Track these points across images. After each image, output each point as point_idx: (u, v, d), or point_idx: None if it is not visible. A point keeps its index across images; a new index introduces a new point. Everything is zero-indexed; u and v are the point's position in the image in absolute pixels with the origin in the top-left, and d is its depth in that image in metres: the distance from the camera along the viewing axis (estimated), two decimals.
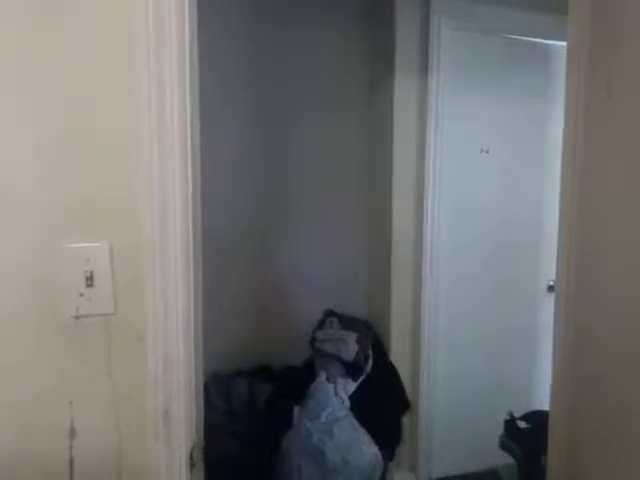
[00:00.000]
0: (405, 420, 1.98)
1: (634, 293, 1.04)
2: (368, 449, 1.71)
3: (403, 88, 2.12)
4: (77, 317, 0.82)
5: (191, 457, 0.88)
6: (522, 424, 1.96)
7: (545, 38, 2.29)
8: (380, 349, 2.11)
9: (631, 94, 1.03)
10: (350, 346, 1.89)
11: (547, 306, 2.27)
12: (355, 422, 1.73)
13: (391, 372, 1.92)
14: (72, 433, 0.82)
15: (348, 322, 2.12)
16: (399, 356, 2.19)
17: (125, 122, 0.81)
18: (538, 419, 1.86)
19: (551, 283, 2.37)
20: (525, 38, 2.30)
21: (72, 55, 0.78)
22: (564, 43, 1.24)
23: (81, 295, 0.82)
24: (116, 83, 0.80)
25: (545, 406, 1.35)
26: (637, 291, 1.03)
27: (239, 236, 2.12)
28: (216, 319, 1.83)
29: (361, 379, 1.86)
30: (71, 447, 0.82)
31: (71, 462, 0.82)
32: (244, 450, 1.71)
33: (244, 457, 1.71)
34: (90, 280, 0.82)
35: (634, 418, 1.03)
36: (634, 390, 1.03)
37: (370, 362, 1.94)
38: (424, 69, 2.11)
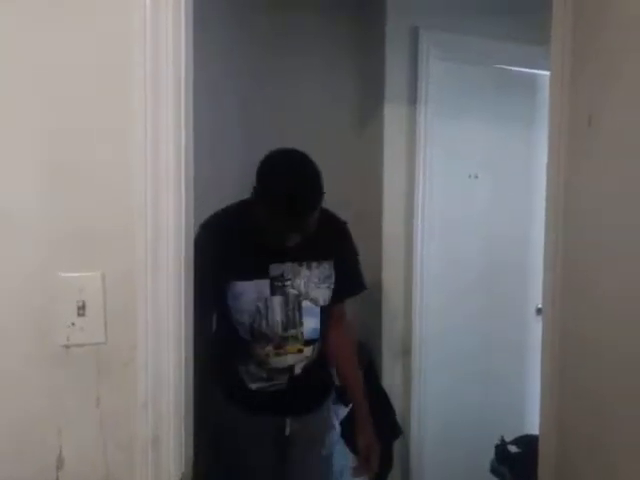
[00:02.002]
0: (396, 444, 1.97)
1: (616, 315, 1.06)
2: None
3: (392, 118, 2.17)
4: (67, 346, 0.83)
5: None
6: (513, 448, 1.96)
7: (531, 68, 2.36)
8: (372, 373, 2.11)
9: (610, 123, 1.07)
10: None
11: (536, 329, 2.29)
12: (346, 449, 1.72)
13: (383, 398, 1.92)
14: (60, 461, 0.82)
15: None
16: (390, 379, 2.19)
17: (120, 154, 0.83)
18: (528, 443, 1.86)
19: (539, 306, 2.39)
20: (512, 68, 2.37)
21: (68, 82, 0.81)
22: (549, 73, 1.28)
23: (72, 324, 0.83)
24: (113, 114, 0.83)
25: (537, 428, 1.36)
26: (616, 312, 1.06)
27: None
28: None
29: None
30: (58, 477, 0.82)
31: None
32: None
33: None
34: (82, 309, 0.83)
35: (625, 443, 1.04)
36: (624, 414, 1.04)
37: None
38: (413, 99, 2.16)
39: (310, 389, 1.50)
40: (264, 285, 1.38)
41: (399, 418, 2.13)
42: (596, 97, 1.11)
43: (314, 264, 1.43)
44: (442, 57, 2.18)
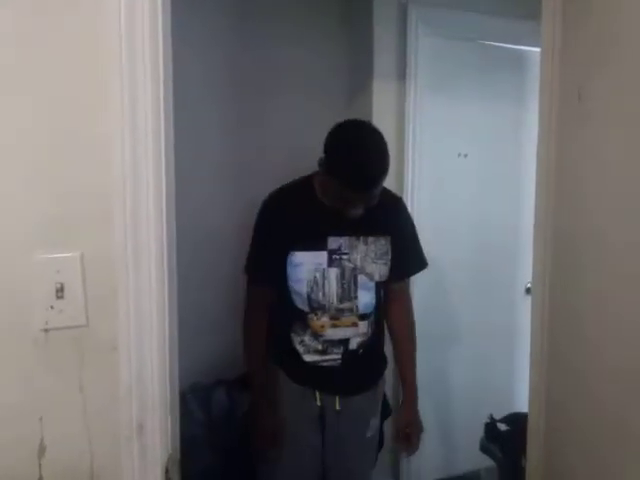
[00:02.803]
0: (386, 424, 1.98)
1: (599, 305, 1.06)
2: None
3: (381, 94, 2.13)
4: (47, 330, 0.80)
5: (167, 471, 0.87)
6: (502, 427, 1.98)
7: (521, 44, 2.33)
8: None
9: (600, 98, 1.05)
10: None
11: (525, 307, 2.30)
12: None
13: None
14: (42, 450, 0.80)
15: None
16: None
17: (97, 130, 0.79)
18: (518, 421, 1.88)
19: (528, 286, 2.39)
20: (502, 44, 2.34)
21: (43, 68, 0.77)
22: (539, 49, 1.26)
23: (51, 307, 0.79)
24: (88, 93, 0.79)
25: (526, 406, 1.36)
26: (601, 303, 1.06)
27: (220, 244, 2.10)
28: (196, 328, 1.81)
29: None
30: (40, 465, 0.80)
31: None
32: (223, 463, 1.69)
33: (223, 470, 1.69)
34: (61, 292, 0.80)
35: (610, 420, 1.05)
36: (609, 391, 1.04)
37: None
38: (402, 75, 2.13)
39: (363, 369, 1.53)
40: (322, 256, 1.42)
41: (389, 399, 2.13)
42: (586, 72, 1.09)
43: (371, 239, 1.46)
44: (431, 33, 2.14)
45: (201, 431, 1.77)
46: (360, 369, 1.51)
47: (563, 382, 1.19)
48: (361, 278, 1.45)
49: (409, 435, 1.58)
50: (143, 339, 0.83)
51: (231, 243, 1.91)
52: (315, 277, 1.42)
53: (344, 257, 1.43)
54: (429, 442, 2.37)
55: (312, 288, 1.43)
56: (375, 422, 1.60)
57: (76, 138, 0.79)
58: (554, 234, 1.20)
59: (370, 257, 1.46)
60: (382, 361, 1.63)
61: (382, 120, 2.13)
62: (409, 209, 2.14)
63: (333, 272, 1.43)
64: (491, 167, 2.39)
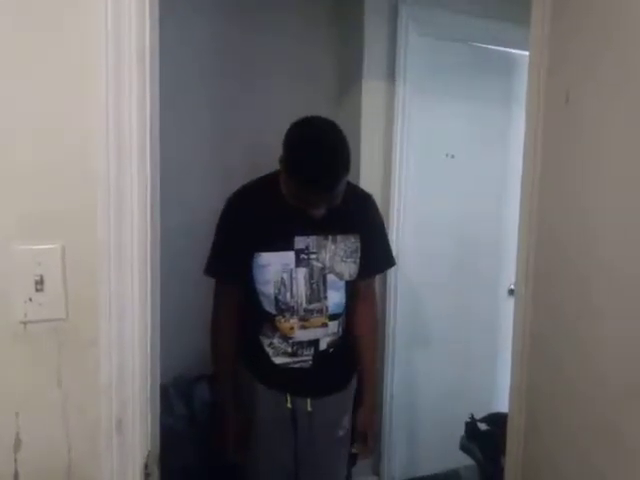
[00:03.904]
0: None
1: (584, 304, 1.07)
2: None
3: (370, 93, 2.12)
4: (25, 323, 0.78)
5: (146, 467, 0.86)
6: (482, 426, 2.00)
7: (510, 47, 2.34)
8: None
9: (587, 100, 1.07)
10: None
11: (508, 308, 2.32)
12: None
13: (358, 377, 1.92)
14: (17, 445, 0.78)
15: None
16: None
17: (81, 121, 0.78)
18: (498, 421, 1.90)
19: (512, 287, 2.42)
20: (491, 46, 2.35)
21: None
22: (527, 52, 1.27)
23: (30, 300, 0.78)
24: (72, 85, 0.77)
25: (506, 407, 1.38)
26: (585, 301, 1.07)
27: (203, 237, 2.08)
28: (178, 321, 1.80)
29: None
30: (16, 460, 0.78)
31: (16, 476, 0.78)
32: (204, 458, 1.68)
33: (204, 465, 1.68)
34: (40, 284, 0.78)
35: (592, 419, 1.06)
36: (593, 390, 1.06)
37: None
38: (392, 75, 2.13)
39: (335, 369, 1.50)
40: (289, 257, 1.38)
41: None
42: (574, 75, 1.11)
43: (339, 237, 1.42)
44: (421, 33, 2.15)
45: (183, 426, 1.76)
46: (331, 369, 1.48)
47: (545, 382, 1.21)
48: (330, 277, 1.42)
49: (366, 437, 1.56)
50: (124, 334, 0.82)
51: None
52: (282, 278, 1.38)
53: (312, 257, 1.39)
54: (410, 441, 2.40)
55: (279, 289, 1.39)
56: (347, 419, 1.58)
57: (59, 130, 0.78)
58: (538, 234, 1.22)
59: (339, 256, 1.42)
60: (354, 359, 1.60)
61: (371, 119, 2.14)
62: (395, 210, 2.18)
63: (301, 272, 1.39)
64: (478, 168, 2.40)
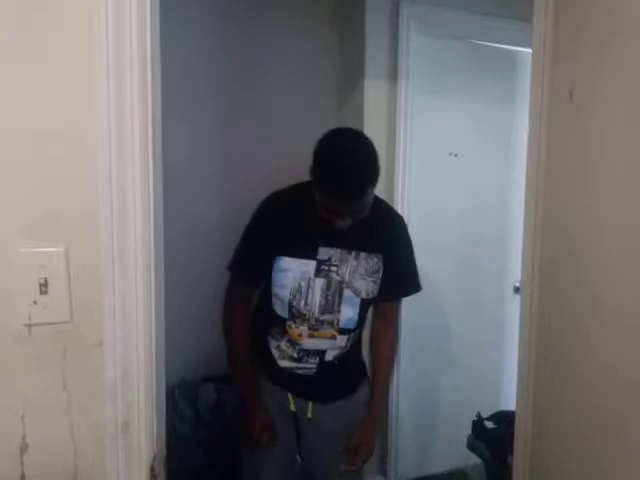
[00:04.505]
0: None
1: (590, 299, 1.07)
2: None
3: (373, 92, 2.12)
4: (30, 326, 0.78)
5: (152, 469, 0.86)
6: (489, 424, 1.99)
7: (513, 44, 2.34)
8: None
9: (591, 97, 1.06)
10: None
11: (514, 306, 2.31)
12: None
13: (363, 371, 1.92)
14: (24, 448, 0.78)
15: None
16: (367, 358, 2.18)
17: (83, 124, 0.78)
18: (505, 419, 1.89)
19: (517, 285, 2.41)
20: (494, 45, 2.35)
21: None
22: (530, 50, 1.26)
23: (35, 303, 0.78)
24: (75, 75, 0.77)
25: (513, 405, 1.37)
26: (592, 296, 1.06)
27: (208, 239, 2.09)
28: (183, 322, 1.80)
29: None
30: (22, 463, 0.78)
31: (23, 478, 0.78)
32: (210, 459, 1.68)
33: (210, 466, 1.68)
34: (45, 287, 0.78)
35: (600, 417, 1.05)
36: (601, 389, 1.05)
37: None
38: (393, 73, 2.12)
39: (339, 379, 1.49)
40: (310, 265, 1.39)
41: None
42: (578, 71, 1.10)
43: (363, 254, 1.42)
44: (423, 32, 2.14)
45: (189, 427, 1.76)
46: (335, 378, 1.48)
47: (553, 380, 1.20)
48: (347, 292, 1.41)
49: (356, 451, 1.51)
50: (129, 335, 0.81)
51: (222, 241, 1.90)
52: (300, 285, 1.39)
53: (332, 269, 1.40)
54: (417, 440, 2.39)
55: (295, 296, 1.40)
56: None
57: (61, 132, 0.78)
58: (544, 231, 1.21)
59: (359, 273, 1.42)
60: (360, 370, 1.59)
61: (373, 118, 2.14)
62: (399, 209, 2.16)
63: (319, 283, 1.39)
64: (482, 166, 2.40)
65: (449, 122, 2.29)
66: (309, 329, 1.41)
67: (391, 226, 1.50)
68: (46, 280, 0.78)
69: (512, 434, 1.35)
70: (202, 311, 2.05)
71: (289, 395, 1.47)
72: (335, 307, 1.42)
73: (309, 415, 1.47)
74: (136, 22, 0.78)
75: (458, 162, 2.34)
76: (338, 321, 1.42)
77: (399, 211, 2.16)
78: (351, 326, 1.45)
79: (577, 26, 1.10)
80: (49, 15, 0.75)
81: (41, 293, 0.78)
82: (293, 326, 1.42)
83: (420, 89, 2.17)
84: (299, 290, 1.39)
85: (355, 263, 1.42)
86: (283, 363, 1.45)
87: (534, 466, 1.27)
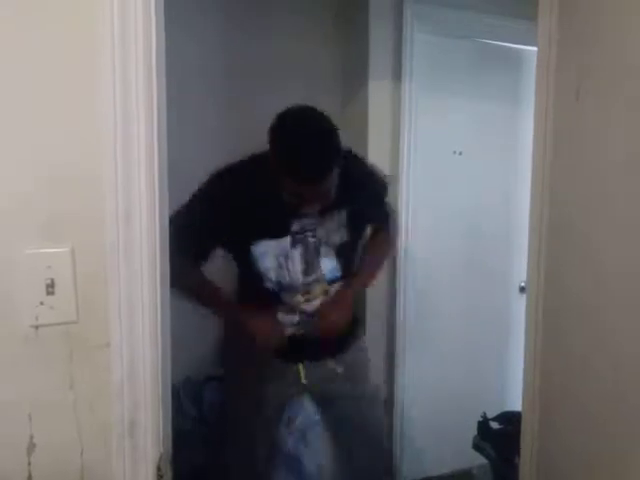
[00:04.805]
0: None
1: (599, 298, 1.06)
2: None
3: (377, 91, 2.12)
4: (37, 326, 0.78)
5: (159, 469, 0.86)
6: (495, 425, 1.98)
7: (517, 43, 2.33)
8: None
9: (597, 96, 1.05)
10: None
11: (519, 306, 2.30)
12: None
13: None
14: (31, 448, 0.79)
15: None
16: (373, 361, 2.18)
17: (88, 123, 0.78)
18: (511, 420, 1.88)
19: (522, 284, 2.40)
20: (498, 43, 2.34)
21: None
22: (535, 48, 1.26)
23: (41, 303, 0.78)
24: (79, 77, 0.77)
25: (519, 405, 1.37)
26: (600, 296, 1.05)
27: None
28: (187, 322, 1.80)
29: None
30: (30, 463, 0.78)
31: (29, 479, 0.79)
32: (215, 458, 1.68)
33: (215, 466, 1.68)
34: (51, 287, 0.78)
35: (604, 417, 1.05)
36: (603, 390, 1.05)
37: None
38: (398, 73, 2.12)
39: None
40: (286, 241, 1.40)
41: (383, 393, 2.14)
42: (585, 71, 1.09)
43: (334, 212, 1.43)
44: (427, 31, 2.14)
45: (193, 427, 1.76)
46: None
47: (559, 380, 1.19)
48: (323, 248, 1.43)
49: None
50: (135, 335, 0.82)
51: None
52: (279, 261, 1.40)
53: (308, 234, 1.41)
54: (423, 441, 2.39)
55: (278, 272, 1.41)
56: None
57: (66, 134, 0.78)
58: (549, 231, 1.20)
59: (332, 229, 1.44)
60: (354, 324, 1.58)
61: (378, 118, 2.14)
62: (404, 209, 2.16)
63: (297, 251, 1.41)
64: (486, 165, 2.39)
65: (453, 121, 2.29)
66: (303, 295, 1.44)
67: (355, 174, 1.46)
68: (52, 281, 0.78)
69: (518, 434, 1.35)
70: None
71: (299, 366, 1.47)
72: (315, 265, 1.43)
73: (302, 380, 1.48)
74: (142, 24, 0.78)
75: (463, 161, 2.34)
76: (323, 275, 1.45)
77: (404, 210, 2.18)
78: (337, 274, 1.47)
79: (583, 25, 1.10)
80: (52, 13, 0.75)
81: (47, 294, 0.78)
82: (287, 297, 1.44)
83: (424, 88, 2.16)
84: (280, 266, 1.40)
85: (328, 223, 1.43)
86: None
87: (541, 466, 1.26)
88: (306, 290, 1.44)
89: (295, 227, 1.39)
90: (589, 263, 1.09)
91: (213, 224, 1.38)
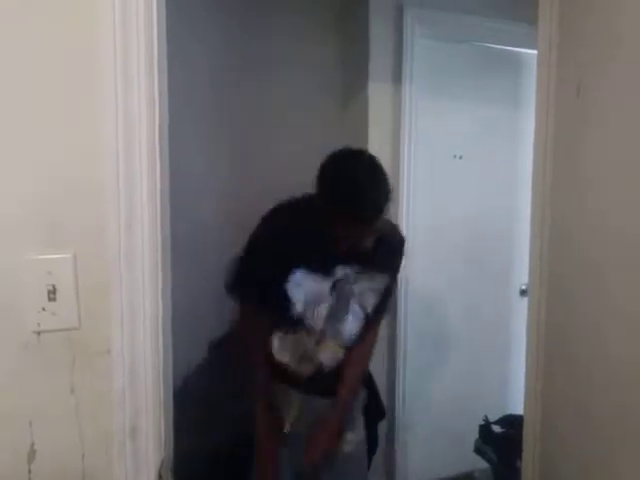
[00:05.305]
0: (381, 427, 1.98)
1: (601, 301, 1.06)
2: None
3: (377, 95, 2.12)
4: (38, 332, 0.78)
5: (160, 475, 0.86)
6: (497, 428, 1.98)
7: (517, 46, 2.33)
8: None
9: (599, 93, 1.05)
10: None
11: (520, 309, 2.30)
12: None
13: (367, 379, 1.91)
14: (31, 455, 0.78)
15: None
16: (374, 363, 2.18)
17: (89, 129, 0.78)
18: (512, 423, 1.88)
19: (523, 287, 2.40)
20: (498, 46, 2.34)
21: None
22: (535, 51, 1.26)
23: (43, 309, 0.78)
24: (80, 78, 0.77)
25: (520, 408, 1.36)
26: (602, 299, 1.05)
27: (215, 245, 2.08)
28: (188, 323, 1.79)
29: None
30: (30, 471, 0.78)
31: None
32: (216, 463, 1.68)
33: (216, 470, 1.68)
34: (53, 294, 0.78)
35: (608, 418, 1.05)
36: (607, 389, 1.04)
37: None
38: (398, 77, 2.12)
39: (330, 378, 1.47)
40: (325, 284, 1.38)
41: (383, 399, 2.13)
42: (586, 69, 1.09)
43: (376, 273, 1.43)
44: (427, 35, 2.14)
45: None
46: (326, 378, 1.47)
47: (562, 383, 1.19)
48: (353, 306, 1.42)
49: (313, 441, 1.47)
50: (136, 341, 0.82)
51: (230, 244, 1.91)
52: (312, 300, 1.39)
53: (346, 287, 1.40)
54: (424, 444, 2.38)
55: (304, 307, 1.39)
56: (353, 435, 1.54)
57: (67, 140, 0.78)
58: (551, 233, 1.20)
59: (370, 289, 1.42)
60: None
61: (378, 121, 2.14)
62: (404, 212, 2.16)
63: (330, 298, 1.40)
64: (487, 168, 2.39)
65: (454, 124, 2.29)
66: (316, 341, 1.42)
67: (396, 244, 1.51)
68: (54, 287, 0.78)
69: (520, 438, 1.35)
70: (209, 316, 2.05)
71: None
72: (340, 319, 1.42)
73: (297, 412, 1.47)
74: (143, 25, 0.78)
75: (463, 164, 2.34)
76: (341, 333, 1.42)
77: (405, 214, 2.18)
78: (354, 338, 1.45)
79: (583, 20, 1.10)
80: (52, 13, 0.76)
81: (49, 300, 0.78)
82: (304, 333, 1.42)
83: (424, 92, 2.16)
84: (308, 305, 1.39)
85: (368, 282, 1.42)
86: (279, 356, 1.44)
87: (543, 470, 1.26)
88: (320, 338, 1.42)
89: (339, 274, 1.38)
90: (590, 268, 1.09)
91: (274, 255, 1.37)
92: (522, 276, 2.31)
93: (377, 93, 2.12)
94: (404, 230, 2.16)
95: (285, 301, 1.40)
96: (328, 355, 1.44)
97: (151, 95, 0.80)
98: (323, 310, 1.40)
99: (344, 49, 2.30)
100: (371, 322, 1.50)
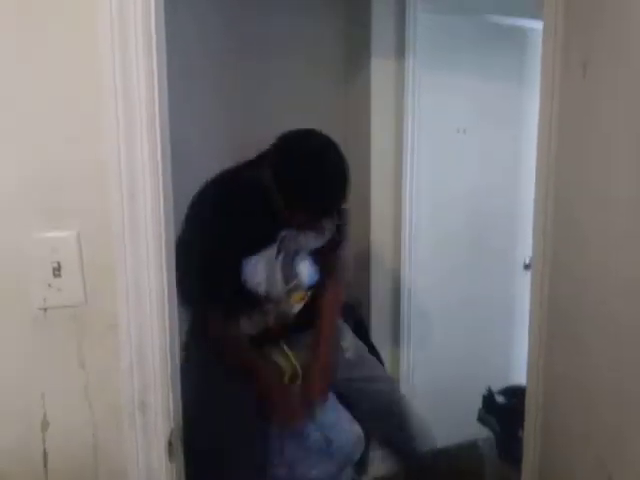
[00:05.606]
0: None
1: (603, 277, 1.06)
2: (350, 428, 1.73)
3: (380, 70, 2.10)
4: (45, 309, 0.80)
5: (170, 444, 0.88)
6: (500, 399, 2.01)
7: (523, 17, 2.28)
8: (362, 329, 2.12)
9: (606, 72, 1.03)
10: None
11: (523, 283, 2.31)
12: (336, 401, 1.74)
13: (373, 354, 1.94)
14: (45, 425, 0.81)
15: None
16: (379, 335, 2.21)
17: (91, 104, 0.78)
18: (515, 393, 1.91)
19: (527, 261, 2.40)
20: (502, 19, 2.29)
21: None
22: (539, 24, 1.23)
23: (49, 286, 0.79)
24: (79, 58, 0.77)
25: (523, 379, 1.38)
26: (605, 274, 1.05)
27: None
28: None
29: None
30: (44, 440, 0.81)
31: (45, 455, 0.81)
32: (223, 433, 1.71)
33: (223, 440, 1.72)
34: (58, 270, 0.80)
35: (607, 390, 1.06)
36: (607, 363, 1.06)
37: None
38: (401, 51, 2.09)
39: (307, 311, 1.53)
40: (272, 250, 1.40)
41: (388, 372, 2.16)
42: (592, 47, 1.06)
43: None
44: (430, 8, 2.10)
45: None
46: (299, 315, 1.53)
47: (563, 356, 1.20)
48: (301, 253, 1.46)
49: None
50: (143, 315, 0.83)
51: None
52: (267, 274, 1.40)
53: (289, 242, 1.43)
54: (429, 413, 2.42)
55: (266, 284, 1.41)
56: (346, 343, 1.61)
57: (69, 116, 0.78)
58: (555, 209, 1.20)
59: (311, 236, 1.46)
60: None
61: (380, 96, 2.12)
62: (407, 187, 2.16)
63: (278, 261, 1.42)
64: (490, 143, 2.37)
65: (457, 99, 2.26)
66: (283, 302, 1.47)
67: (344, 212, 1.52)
68: (59, 264, 0.79)
69: (522, 408, 1.37)
70: None
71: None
72: (292, 272, 1.45)
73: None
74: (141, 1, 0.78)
75: (466, 139, 2.32)
76: (301, 282, 1.47)
77: (408, 189, 2.17)
78: (315, 278, 1.50)
79: None
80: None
81: (55, 276, 0.79)
82: (270, 305, 1.46)
83: (427, 66, 2.13)
84: (267, 277, 1.40)
85: (312, 233, 1.45)
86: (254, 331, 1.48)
87: (544, 439, 1.28)
88: (287, 297, 1.46)
89: (282, 235, 1.41)
90: (594, 245, 1.09)
91: (228, 254, 1.37)
92: (525, 250, 2.31)
93: (380, 69, 2.10)
94: (406, 205, 2.18)
95: (249, 292, 1.41)
96: (297, 306, 1.50)
97: (150, 71, 0.79)
98: (278, 274, 1.42)
99: (346, 25, 2.27)
100: (330, 256, 1.53)
